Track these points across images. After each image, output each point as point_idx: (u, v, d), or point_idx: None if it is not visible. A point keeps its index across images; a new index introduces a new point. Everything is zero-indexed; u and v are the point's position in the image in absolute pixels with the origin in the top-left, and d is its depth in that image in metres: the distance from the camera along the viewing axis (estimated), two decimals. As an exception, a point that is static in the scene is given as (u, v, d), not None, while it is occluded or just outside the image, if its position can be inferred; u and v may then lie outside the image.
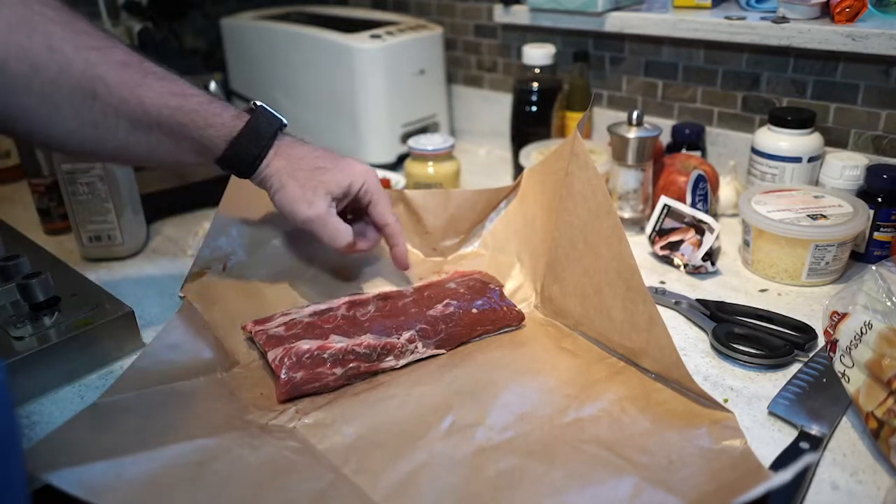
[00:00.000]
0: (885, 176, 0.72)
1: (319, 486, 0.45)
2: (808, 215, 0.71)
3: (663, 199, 0.79)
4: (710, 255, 0.74)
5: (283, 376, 0.54)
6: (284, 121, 0.63)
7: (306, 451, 0.49)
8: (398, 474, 0.47)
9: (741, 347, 0.60)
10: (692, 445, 0.49)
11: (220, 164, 0.59)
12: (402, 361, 0.59)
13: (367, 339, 0.58)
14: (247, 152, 0.59)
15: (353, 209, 0.67)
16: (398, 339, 0.59)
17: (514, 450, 0.49)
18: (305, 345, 0.56)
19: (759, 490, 0.39)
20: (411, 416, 0.53)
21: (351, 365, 0.56)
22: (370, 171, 0.65)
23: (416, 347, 0.60)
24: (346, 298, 0.63)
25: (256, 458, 0.47)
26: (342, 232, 0.61)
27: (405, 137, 1.06)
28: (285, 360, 0.55)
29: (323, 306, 0.63)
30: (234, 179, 0.79)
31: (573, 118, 1.04)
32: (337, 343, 0.57)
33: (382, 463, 0.48)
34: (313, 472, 0.46)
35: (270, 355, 0.56)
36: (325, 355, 0.56)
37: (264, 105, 0.62)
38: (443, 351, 0.61)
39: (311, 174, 0.60)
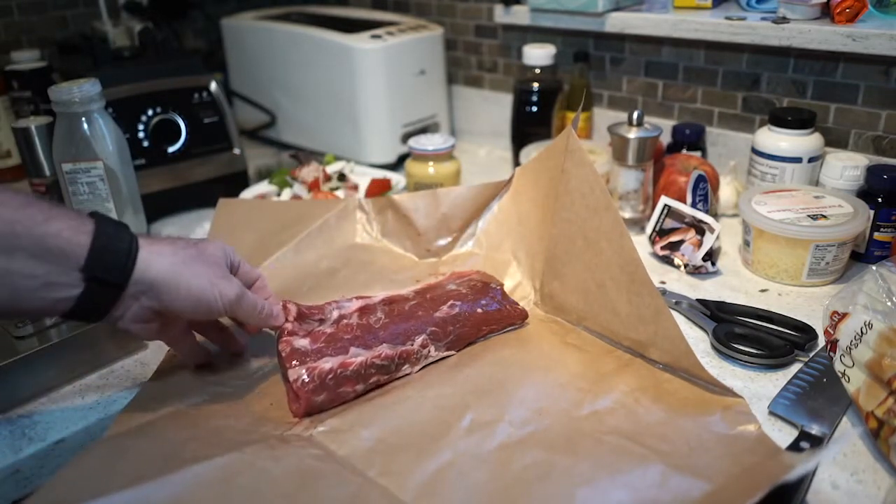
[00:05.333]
0: (885, 176, 0.72)
1: (349, 491, 0.45)
2: (809, 215, 0.71)
3: (664, 200, 0.79)
4: (711, 256, 0.74)
5: (304, 399, 0.53)
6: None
7: (328, 457, 0.48)
8: (425, 474, 0.47)
9: (742, 347, 0.60)
10: (708, 432, 0.50)
11: (88, 270, 0.46)
12: (417, 368, 0.59)
13: (384, 349, 0.57)
14: (117, 241, 0.47)
15: None
16: (412, 345, 0.59)
17: (537, 444, 0.49)
18: (327, 364, 0.55)
19: (801, 470, 0.39)
20: (429, 417, 0.53)
21: (372, 380, 0.56)
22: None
23: (429, 352, 0.60)
24: (358, 304, 0.62)
25: (280, 469, 0.46)
26: (259, 300, 0.56)
27: (405, 137, 1.06)
28: (307, 381, 0.53)
29: (341, 310, 0.61)
30: (219, 208, 0.81)
31: (573, 118, 1.04)
32: (357, 357, 0.56)
33: (407, 464, 0.48)
34: (340, 478, 0.46)
35: (292, 375, 0.54)
36: (348, 372, 0.55)
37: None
38: (453, 352, 0.61)
39: (197, 254, 0.52)
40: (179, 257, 0.50)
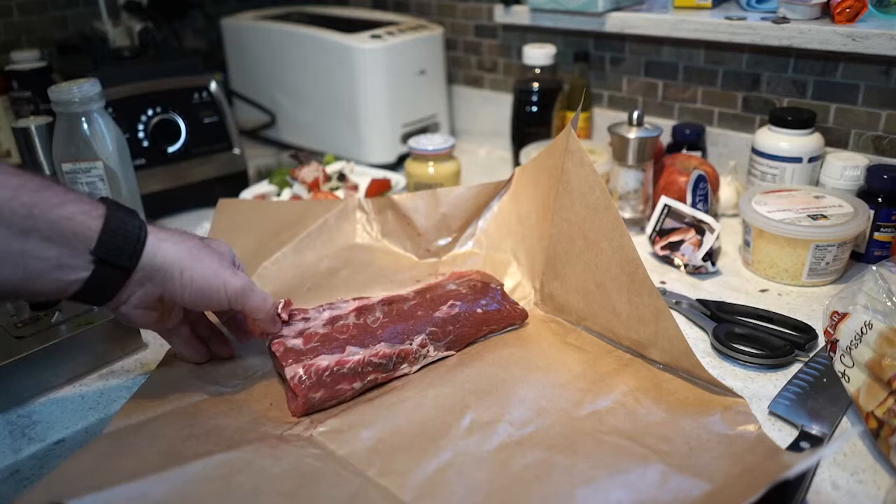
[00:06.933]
0: (885, 176, 0.72)
1: (349, 491, 0.45)
2: (809, 215, 0.71)
3: (664, 200, 0.79)
4: (711, 256, 0.74)
5: (302, 397, 0.53)
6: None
7: (328, 457, 0.48)
8: (425, 474, 0.47)
9: (742, 347, 0.60)
10: (708, 432, 0.50)
11: (99, 252, 0.47)
12: (416, 367, 0.59)
13: (382, 348, 0.57)
14: (128, 226, 0.48)
15: None
16: (411, 344, 0.59)
17: (537, 444, 0.49)
18: (324, 361, 0.55)
19: (800, 468, 0.39)
20: (429, 416, 0.53)
21: (369, 378, 0.56)
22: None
23: (427, 352, 0.60)
24: (355, 304, 0.63)
25: (280, 467, 0.46)
26: (267, 295, 0.56)
27: (405, 137, 1.06)
28: (304, 378, 0.54)
29: (335, 312, 0.61)
30: (219, 208, 0.81)
31: (573, 118, 1.04)
32: (354, 356, 0.56)
33: (407, 464, 0.48)
34: (339, 478, 0.46)
35: (289, 372, 0.54)
36: (345, 370, 0.55)
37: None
38: (452, 352, 0.61)
39: (203, 245, 0.53)
40: (186, 246, 0.51)
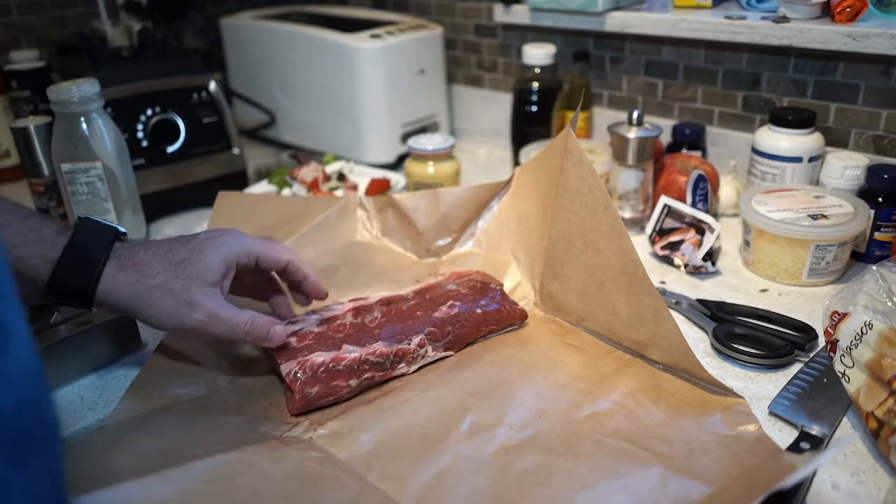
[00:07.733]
0: (885, 176, 0.72)
1: (349, 495, 0.45)
2: (809, 215, 0.70)
3: (664, 199, 0.79)
4: (711, 255, 0.74)
5: (298, 392, 0.53)
6: (120, 228, 0.53)
7: (328, 460, 0.48)
8: (424, 478, 0.47)
9: (742, 347, 0.60)
10: (708, 433, 0.50)
11: (49, 294, 0.49)
12: (414, 367, 0.59)
13: (379, 346, 0.57)
14: (79, 273, 0.49)
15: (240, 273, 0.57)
16: (409, 344, 0.59)
17: (536, 447, 0.49)
18: (319, 357, 0.55)
19: (799, 476, 0.39)
20: (429, 419, 0.52)
21: (365, 376, 0.56)
22: (236, 235, 0.56)
23: (426, 352, 0.59)
24: (351, 305, 0.63)
25: (281, 470, 0.46)
26: (240, 321, 0.52)
27: (405, 137, 1.06)
28: (300, 374, 0.54)
29: (328, 313, 0.62)
30: (218, 201, 0.80)
31: (572, 118, 1.04)
32: (350, 353, 0.56)
33: (407, 468, 0.48)
34: (339, 482, 0.46)
35: (284, 369, 0.54)
36: (341, 367, 0.55)
37: (89, 216, 0.53)
38: (451, 353, 0.61)
39: (174, 273, 0.51)
40: (144, 285, 0.50)
